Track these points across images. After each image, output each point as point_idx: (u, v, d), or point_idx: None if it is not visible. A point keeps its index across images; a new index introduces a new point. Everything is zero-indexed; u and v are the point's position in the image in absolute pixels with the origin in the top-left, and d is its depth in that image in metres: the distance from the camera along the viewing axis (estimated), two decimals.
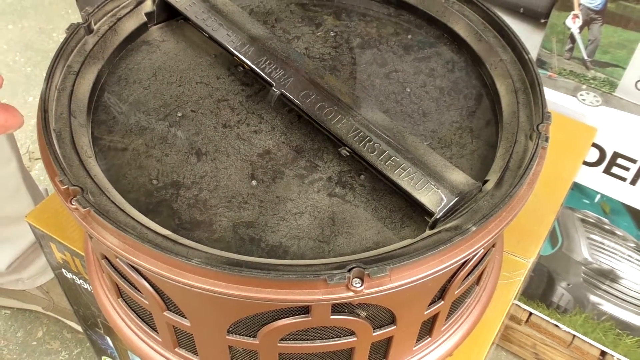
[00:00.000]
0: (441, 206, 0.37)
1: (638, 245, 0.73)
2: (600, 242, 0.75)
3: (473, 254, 0.37)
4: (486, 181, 0.40)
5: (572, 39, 0.63)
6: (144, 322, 0.45)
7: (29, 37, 1.53)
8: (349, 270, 0.33)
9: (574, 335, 0.87)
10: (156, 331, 0.44)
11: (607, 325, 0.83)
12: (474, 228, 0.35)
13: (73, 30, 0.46)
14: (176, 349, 0.44)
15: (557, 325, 0.88)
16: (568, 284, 0.81)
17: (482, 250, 0.40)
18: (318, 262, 0.35)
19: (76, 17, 1.56)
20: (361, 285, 0.33)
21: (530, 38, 0.71)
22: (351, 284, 0.33)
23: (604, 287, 0.79)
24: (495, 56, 0.47)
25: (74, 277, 0.56)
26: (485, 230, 0.36)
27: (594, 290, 0.80)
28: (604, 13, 0.60)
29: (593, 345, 0.87)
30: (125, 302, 0.45)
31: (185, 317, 0.39)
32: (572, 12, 0.61)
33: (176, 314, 0.40)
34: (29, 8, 1.60)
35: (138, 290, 0.40)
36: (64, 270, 0.57)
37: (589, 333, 0.86)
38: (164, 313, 0.40)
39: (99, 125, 0.44)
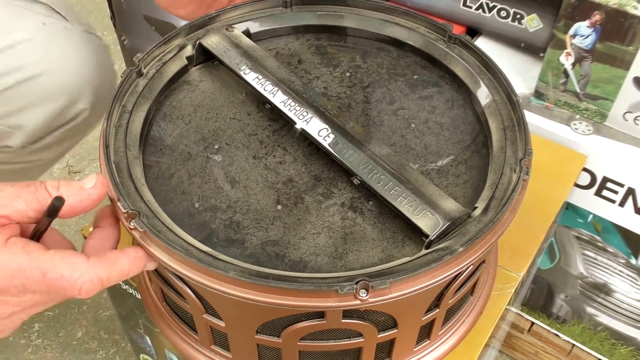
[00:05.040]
0: (435, 230, 0.44)
1: (628, 262, 0.80)
2: (594, 258, 0.82)
3: (461, 270, 0.45)
4: (475, 208, 0.47)
5: (566, 74, 0.70)
6: (185, 323, 0.53)
7: None
8: (357, 283, 0.40)
9: (573, 344, 0.94)
10: (195, 331, 0.52)
11: (603, 335, 0.90)
12: (461, 249, 0.42)
13: (127, 74, 0.54)
14: (212, 347, 0.52)
15: (557, 335, 0.94)
16: (566, 296, 0.88)
17: (472, 266, 0.47)
18: (331, 275, 0.43)
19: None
20: (366, 295, 0.40)
21: (530, 70, 0.78)
22: (358, 294, 0.40)
23: (598, 299, 0.86)
24: (488, 96, 0.54)
25: (120, 282, 0.64)
26: (471, 250, 0.43)
27: (589, 303, 0.87)
28: (594, 52, 0.67)
29: (591, 354, 0.93)
30: (169, 306, 0.53)
31: (221, 319, 0.47)
32: (565, 51, 0.68)
33: (213, 316, 0.47)
34: None
35: (182, 296, 0.48)
36: None
37: (586, 342, 0.92)
38: (203, 315, 0.48)
39: (149, 157, 0.52)
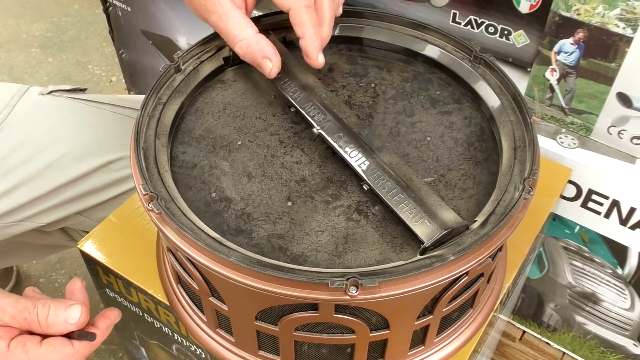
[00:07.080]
0: (431, 237, 0.46)
1: (614, 272, 0.81)
2: (582, 268, 0.84)
3: (454, 279, 0.46)
4: (475, 221, 0.48)
5: (552, 89, 0.72)
6: (195, 305, 0.56)
7: (67, 69, 1.66)
8: (348, 279, 0.43)
9: (564, 352, 0.96)
10: (203, 313, 0.55)
11: (593, 344, 0.91)
12: (452, 257, 0.44)
13: (166, 69, 0.58)
14: (217, 330, 0.55)
15: (548, 343, 0.96)
16: (556, 305, 0.90)
17: (466, 277, 0.48)
18: (326, 271, 0.45)
19: (110, 50, 1.69)
20: (356, 292, 0.43)
21: (518, 84, 0.79)
22: (348, 290, 0.43)
23: (587, 308, 0.87)
24: (505, 116, 0.56)
25: (116, 295, 0.66)
26: (463, 260, 0.45)
27: (578, 312, 0.89)
28: (578, 68, 0.69)
29: None
30: (183, 287, 0.57)
31: (225, 303, 0.50)
32: (550, 67, 0.70)
33: (218, 300, 0.51)
34: (66, 42, 1.75)
35: (192, 277, 0.51)
36: (107, 289, 0.66)
37: (577, 350, 0.94)
38: (209, 298, 0.51)
39: (177, 147, 0.56)
